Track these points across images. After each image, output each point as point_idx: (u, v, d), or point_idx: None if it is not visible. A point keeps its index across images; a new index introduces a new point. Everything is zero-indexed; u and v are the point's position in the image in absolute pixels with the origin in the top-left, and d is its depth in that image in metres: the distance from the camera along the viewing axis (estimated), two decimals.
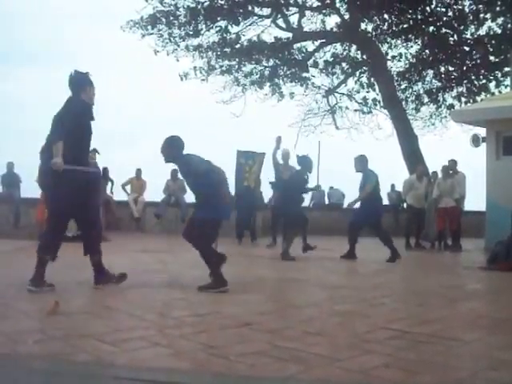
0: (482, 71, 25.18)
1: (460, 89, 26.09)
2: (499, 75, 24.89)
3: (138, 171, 19.77)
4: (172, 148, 7.43)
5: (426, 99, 26.73)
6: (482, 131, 15.88)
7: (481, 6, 23.77)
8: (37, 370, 3.66)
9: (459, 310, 6.51)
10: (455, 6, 24.06)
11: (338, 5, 25.20)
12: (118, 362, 3.84)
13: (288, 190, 12.15)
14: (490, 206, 14.73)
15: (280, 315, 5.67)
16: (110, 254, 9.03)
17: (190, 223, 7.61)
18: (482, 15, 24.07)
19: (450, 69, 25.72)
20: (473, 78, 25.62)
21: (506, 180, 13.22)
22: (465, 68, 25.13)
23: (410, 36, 25.06)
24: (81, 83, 7.18)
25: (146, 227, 19.32)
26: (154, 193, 20.31)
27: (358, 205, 12.48)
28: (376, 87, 25.70)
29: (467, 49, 24.92)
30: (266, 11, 25.21)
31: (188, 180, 7.70)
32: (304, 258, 11.96)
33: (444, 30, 24.58)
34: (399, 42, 25.74)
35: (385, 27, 25.10)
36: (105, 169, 18.08)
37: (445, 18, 24.30)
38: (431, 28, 24.59)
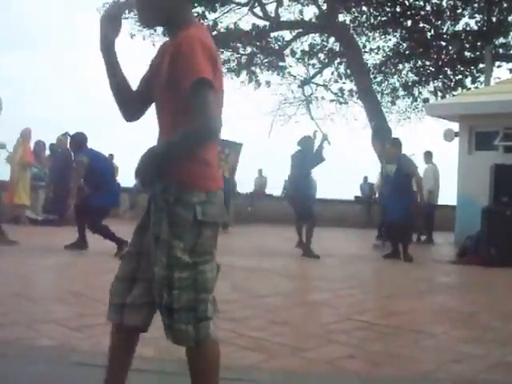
0: (458, 66, 25.30)
1: (436, 83, 26.20)
2: (475, 71, 25.03)
3: (110, 156, 19.60)
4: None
5: (401, 92, 26.82)
6: (455, 126, 15.94)
7: (458, 1, 23.86)
8: None
9: (427, 302, 6.54)
10: (433, 1, 24.09)
11: None
12: (81, 348, 3.80)
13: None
14: (461, 200, 14.81)
15: (246, 304, 5.65)
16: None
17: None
18: (459, 11, 24.16)
19: (427, 63, 25.79)
20: (449, 72, 25.72)
21: (477, 175, 13.27)
22: (441, 63, 25.20)
23: (387, 29, 25.06)
24: None
25: (118, 212, 19.22)
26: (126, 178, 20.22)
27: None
28: (353, 79, 25.70)
29: (444, 44, 25.00)
30: None
31: None
32: (273, 248, 11.97)
33: (421, 25, 24.62)
34: (377, 34, 25.74)
35: (363, 19, 25.09)
36: None
37: (422, 13, 24.33)
38: (409, 22, 24.62)
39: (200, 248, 2.32)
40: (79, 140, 9.88)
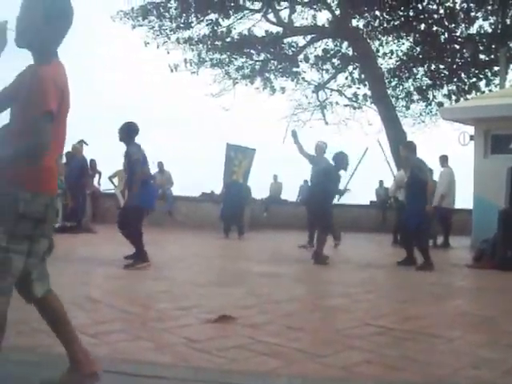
0: (472, 70, 25.19)
1: (450, 87, 26.10)
2: (489, 74, 24.93)
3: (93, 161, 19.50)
4: (125, 132, 9.02)
5: (416, 96, 26.73)
6: (470, 129, 15.88)
7: (472, 4, 23.77)
8: (17, 361, 3.63)
9: (443, 307, 6.52)
10: (446, 4, 24.02)
11: (329, 0, 25.14)
12: (98, 355, 3.81)
13: (318, 186, 11.05)
14: (477, 204, 14.75)
15: (262, 310, 5.66)
16: (95, 245, 9.02)
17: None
18: (473, 14, 24.07)
19: (441, 66, 25.71)
20: (463, 76, 25.62)
21: (493, 178, 13.20)
22: (455, 66, 25.12)
23: (401, 33, 25.03)
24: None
25: None
26: None
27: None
28: (367, 83, 25.67)
29: (458, 47, 24.92)
30: (257, 5, 25.14)
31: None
32: (289, 253, 11.97)
33: (435, 28, 24.56)
34: (390, 39, 25.69)
35: (376, 24, 25.06)
36: (92, 161, 18.04)
37: (436, 16, 24.27)
38: (422, 25, 24.57)
39: (20, 235, 2.89)
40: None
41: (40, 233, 3.01)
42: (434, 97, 26.60)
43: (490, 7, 23.57)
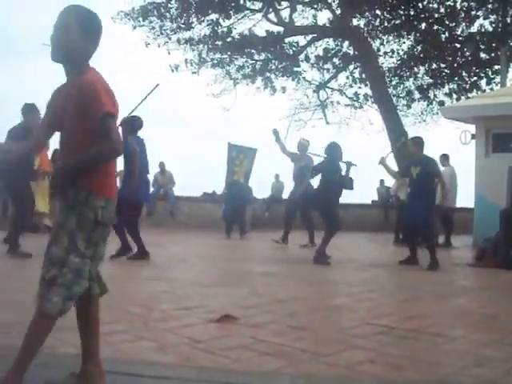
0: (473, 68, 25.18)
1: (451, 85, 26.10)
2: (490, 73, 24.92)
3: None
4: (129, 126, 9.25)
5: (417, 95, 26.73)
6: (472, 128, 15.87)
7: (472, 3, 23.77)
8: None
9: (446, 306, 6.52)
10: (447, 3, 24.01)
11: (329, 0, 25.15)
12: (101, 355, 3.81)
13: (324, 183, 10.77)
14: (479, 203, 14.75)
15: (265, 309, 5.66)
16: None
17: None
18: (473, 12, 24.06)
19: (442, 65, 25.69)
20: (464, 75, 25.61)
21: (494, 177, 13.22)
22: (456, 65, 25.11)
23: (401, 32, 25.02)
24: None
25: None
26: None
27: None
28: (368, 83, 25.66)
29: (458, 46, 24.91)
30: (258, 5, 25.15)
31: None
32: (291, 253, 11.97)
33: (436, 27, 24.56)
34: (391, 38, 25.69)
35: (377, 23, 25.04)
36: None
37: (436, 15, 24.28)
38: (423, 24, 24.57)
39: (92, 241, 3.03)
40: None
41: (101, 236, 3.13)
42: (435, 96, 26.63)
43: (490, 6, 23.56)
